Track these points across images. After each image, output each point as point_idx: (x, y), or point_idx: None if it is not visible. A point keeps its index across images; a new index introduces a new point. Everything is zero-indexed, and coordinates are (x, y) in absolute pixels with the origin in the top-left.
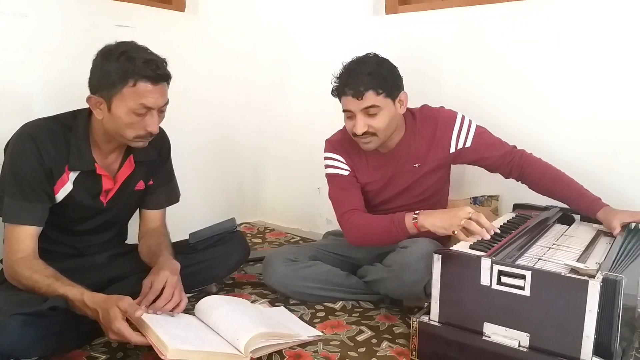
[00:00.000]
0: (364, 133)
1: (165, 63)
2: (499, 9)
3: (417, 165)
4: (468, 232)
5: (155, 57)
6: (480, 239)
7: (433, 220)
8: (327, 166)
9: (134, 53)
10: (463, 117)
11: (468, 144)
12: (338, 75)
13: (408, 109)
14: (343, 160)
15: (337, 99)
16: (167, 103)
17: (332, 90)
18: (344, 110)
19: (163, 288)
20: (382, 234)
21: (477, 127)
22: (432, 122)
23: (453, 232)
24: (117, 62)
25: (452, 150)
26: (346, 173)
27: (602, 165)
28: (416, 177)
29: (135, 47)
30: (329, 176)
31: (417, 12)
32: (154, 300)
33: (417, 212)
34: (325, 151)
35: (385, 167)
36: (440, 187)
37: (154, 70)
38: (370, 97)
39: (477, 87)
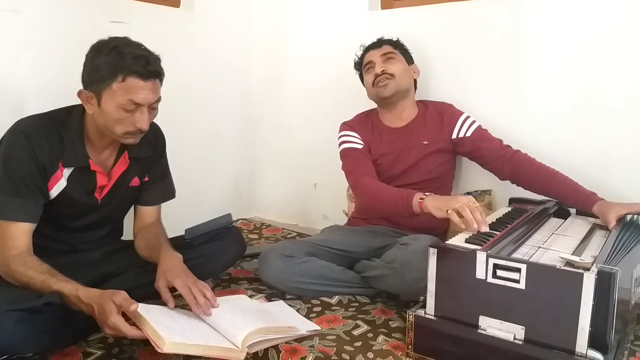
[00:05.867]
0: (383, 72)
1: (159, 60)
2: (495, 3)
3: (425, 142)
4: (460, 216)
5: (147, 53)
6: (475, 232)
7: (434, 203)
8: (341, 143)
9: (125, 48)
10: (469, 116)
11: (468, 134)
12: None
13: (421, 101)
14: (358, 136)
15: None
16: (158, 100)
17: (356, 63)
18: (365, 65)
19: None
20: (390, 203)
21: (480, 126)
22: (442, 112)
23: (447, 211)
24: (107, 57)
25: (454, 136)
26: (360, 146)
27: (595, 161)
28: (424, 154)
29: (128, 42)
30: (344, 150)
31: (412, 7)
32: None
33: (427, 194)
34: (340, 131)
35: (397, 141)
36: (446, 171)
37: (144, 66)
38: (388, 47)
39: (472, 82)
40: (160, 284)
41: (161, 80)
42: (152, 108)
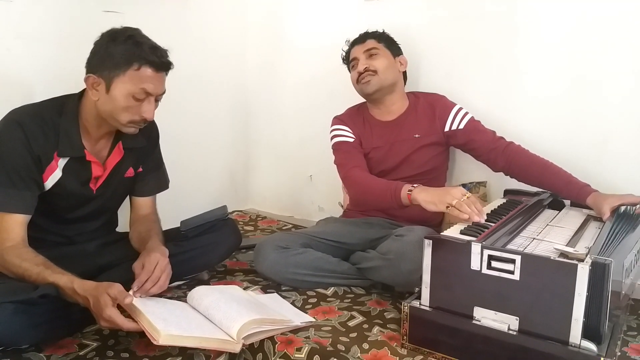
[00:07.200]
0: (365, 70)
1: (168, 53)
2: None
3: (417, 135)
4: (459, 211)
5: (159, 46)
6: (471, 222)
7: (425, 196)
8: (333, 137)
9: (140, 38)
10: (461, 107)
11: (461, 127)
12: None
13: (413, 93)
14: (349, 130)
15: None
16: (164, 92)
17: (343, 58)
18: (350, 61)
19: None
20: (379, 195)
21: (473, 117)
22: (434, 104)
23: (446, 207)
24: (124, 45)
25: (447, 129)
26: (351, 140)
27: (590, 153)
28: (416, 148)
29: (141, 33)
30: (336, 144)
31: None
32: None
33: (415, 185)
34: (332, 125)
35: (388, 135)
36: (438, 164)
37: (159, 57)
38: (372, 42)
39: (467, 73)
40: (136, 264)
41: (167, 74)
42: (157, 100)
